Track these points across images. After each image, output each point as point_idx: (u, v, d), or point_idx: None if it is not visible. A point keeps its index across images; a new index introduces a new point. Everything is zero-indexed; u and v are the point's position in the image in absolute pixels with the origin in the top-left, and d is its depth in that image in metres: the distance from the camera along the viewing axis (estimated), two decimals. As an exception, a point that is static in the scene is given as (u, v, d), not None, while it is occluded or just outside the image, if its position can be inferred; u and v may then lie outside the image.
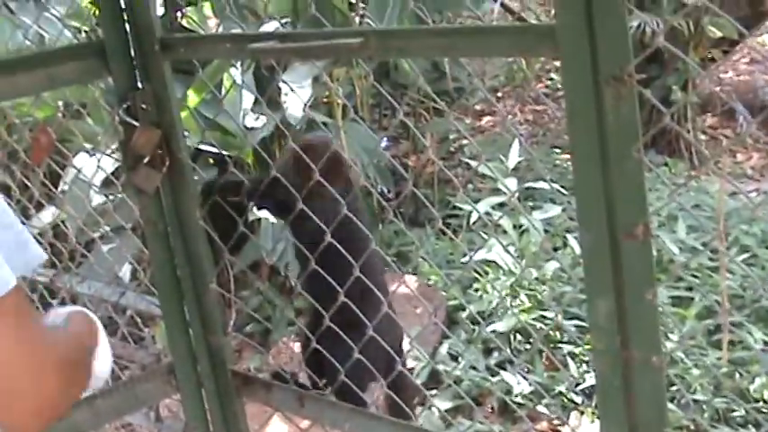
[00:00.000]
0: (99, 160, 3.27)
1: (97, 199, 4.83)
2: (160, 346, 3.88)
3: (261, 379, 2.77)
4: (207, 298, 2.73)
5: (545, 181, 6.47)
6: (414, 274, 6.10)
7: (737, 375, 4.92)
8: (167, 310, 2.81)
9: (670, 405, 4.53)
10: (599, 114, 1.66)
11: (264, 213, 5.40)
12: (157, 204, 2.68)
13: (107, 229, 3.80)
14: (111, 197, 4.76)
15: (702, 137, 8.77)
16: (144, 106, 2.55)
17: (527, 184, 6.43)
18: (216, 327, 2.75)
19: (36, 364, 1.40)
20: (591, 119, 1.66)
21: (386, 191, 6.62)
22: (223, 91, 5.47)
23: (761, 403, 4.70)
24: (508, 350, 5.33)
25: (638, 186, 1.67)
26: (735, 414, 4.77)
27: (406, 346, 3.74)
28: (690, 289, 5.62)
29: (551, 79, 10.29)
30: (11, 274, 1.33)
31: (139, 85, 2.57)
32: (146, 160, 2.55)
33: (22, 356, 1.37)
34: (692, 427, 4.82)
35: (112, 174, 3.53)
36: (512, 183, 6.03)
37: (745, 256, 5.80)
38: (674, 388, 4.81)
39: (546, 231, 6.25)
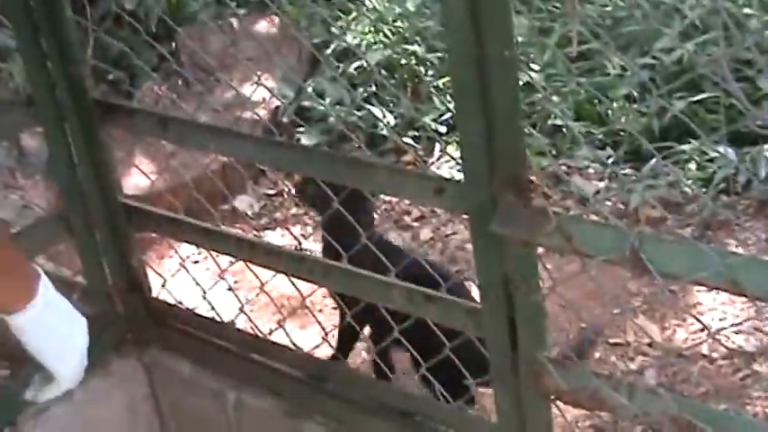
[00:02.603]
0: None
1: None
2: (19, 81, 3.82)
3: (123, 105, 2.75)
4: (64, 27, 2.67)
5: None
6: (276, 14, 6.04)
7: (596, 101, 5.04)
8: (22, 42, 2.74)
9: (532, 131, 4.64)
10: None
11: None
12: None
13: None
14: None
15: None
16: None
17: None
18: (76, 57, 2.70)
19: None
20: None
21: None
22: None
23: (618, 125, 4.85)
24: (373, 85, 5.38)
25: None
26: (593, 138, 4.92)
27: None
28: (552, 21, 5.68)
29: None
30: None
31: None
32: None
33: None
34: (554, 153, 4.97)
35: None
36: None
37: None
38: (534, 116, 4.93)
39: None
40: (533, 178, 1.81)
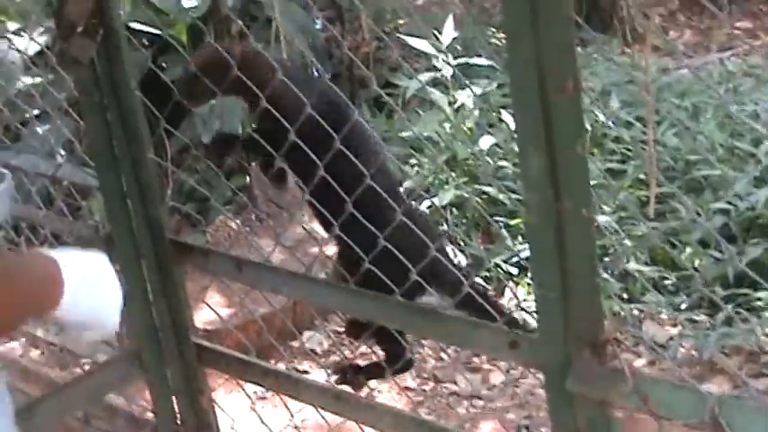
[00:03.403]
0: (31, 34, 3.25)
1: (29, 78, 4.78)
2: (98, 218, 3.88)
3: (199, 246, 2.80)
4: (144, 168, 2.73)
5: (480, 56, 6.47)
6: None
7: (669, 245, 5.01)
8: (104, 181, 2.81)
9: (605, 275, 4.62)
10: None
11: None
12: (92, 75, 2.67)
13: (42, 108, 3.76)
14: (44, 76, 4.71)
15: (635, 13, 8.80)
16: (76, -26, 2.52)
17: (463, 60, 6.42)
18: (154, 197, 2.77)
19: None
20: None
21: (322, 72, 6.60)
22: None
23: (691, 271, 4.80)
24: (445, 224, 5.39)
25: (568, 41, 1.69)
26: (667, 282, 4.88)
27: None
28: (623, 162, 5.70)
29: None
30: None
31: (71, -47, 2.54)
32: (79, 30, 2.54)
33: None
34: (626, 296, 4.93)
35: (47, 48, 3.50)
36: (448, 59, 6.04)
37: (677, 129, 5.87)
38: (607, 258, 4.91)
39: (481, 110, 6.29)
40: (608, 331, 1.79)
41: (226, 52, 2.60)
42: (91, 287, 1.73)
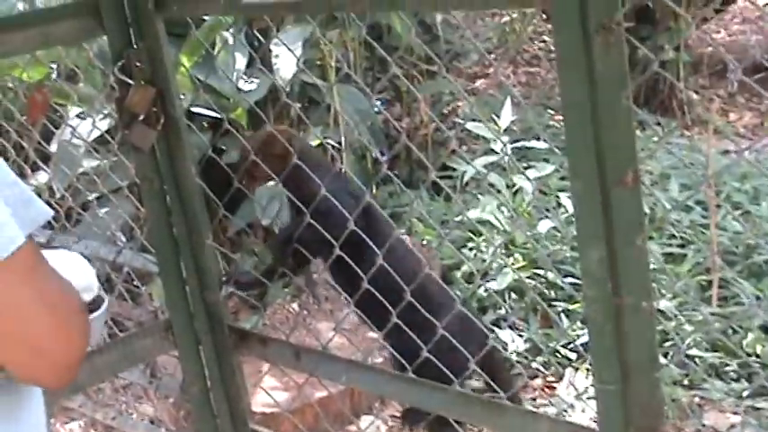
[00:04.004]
0: (94, 120, 3.30)
1: (90, 162, 4.84)
2: (157, 304, 3.91)
3: (257, 334, 2.81)
4: (203, 254, 2.75)
5: (537, 140, 6.47)
6: (408, 234, 6.12)
7: (730, 330, 4.95)
8: (164, 267, 2.83)
9: (664, 360, 4.57)
10: (588, 63, 1.68)
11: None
12: (153, 162, 2.70)
13: (104, 191, 3.81)
14: (105, 159, 4.78)
15: (695, 96, 8.78)
16: (138, 64, 2.57)
17: (520, 143, 6.43)
18: (213, 283, 2.78)
19: (59, 320, 1.40)
20: (581, 67, 1.68)
21: (380, 154, 6.63)
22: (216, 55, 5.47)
23: (753, 357, 4.74)
24: (503, 308, 5.36)
25: (628, 133, 1.69)
26: (728, 369, 4.82)
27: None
28: (682, 246, 5.65)
29: (544, 41, 10.29)
30: (19, 231, 1.33)
31: (134, 43, 2.58)
32: (141, 118, 2.58)
33: (43, 314, 1.37)
34: (686, 383, 4.86)
35: (107, 132, 3.54)
36: (505, 142, 6.04)
37: (738, 212, 5.83)
38: (667, 344, 4.84)
39: (540, 192, 6.28)
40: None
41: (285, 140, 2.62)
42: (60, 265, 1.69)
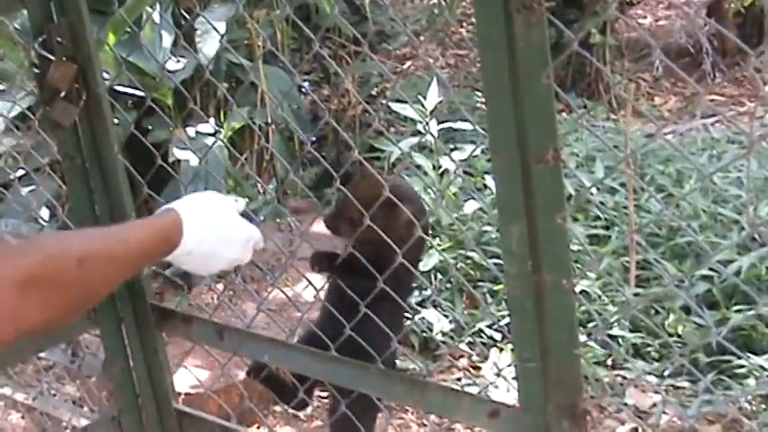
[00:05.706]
0: (15, 97, 3.25)
1: (10, 141, 4.77)
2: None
3: (180, 313, 2.77)
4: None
5: (464, 121, 6.49)
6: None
7: (652, 311, 5.01)
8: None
9: (587, 340, 4.62)
10: (510, 42, 1.68)
11: (185, 155, 5.38)
12: (75, 139, 2.66)
13: (25, 169, 3.76)
14: (27, 137, 4.72)
15: (621, 80, 8.87)
16: (60, 40, 2.52)
17: (447, 125, 6.44)
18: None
19: None
20: (501, 46, 1.68)
21: (304, 138, 6.61)
22: (142, 33, 5.42)
23: (674, 338, 4.80)
24: (429, 289, 5.38)
25: (549, 111, 1.70)
26: (649, 349, 4.88)
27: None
28: (607, 228, 5.72)
29: (472, 24, 10.31)
30: None
31: (55, 18, 2.55)
32: (62, 94, 2.54)
33: None
34: (609, 363, 4.92)
35: (29, 109, 3.50)
36: (431, 125, 6.05)
37: (661, 195, 5.90)
38: (591, 324, 4.90)
39: (465, 173, 6.31)
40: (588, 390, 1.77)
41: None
42: (210, 229, 2.06)
